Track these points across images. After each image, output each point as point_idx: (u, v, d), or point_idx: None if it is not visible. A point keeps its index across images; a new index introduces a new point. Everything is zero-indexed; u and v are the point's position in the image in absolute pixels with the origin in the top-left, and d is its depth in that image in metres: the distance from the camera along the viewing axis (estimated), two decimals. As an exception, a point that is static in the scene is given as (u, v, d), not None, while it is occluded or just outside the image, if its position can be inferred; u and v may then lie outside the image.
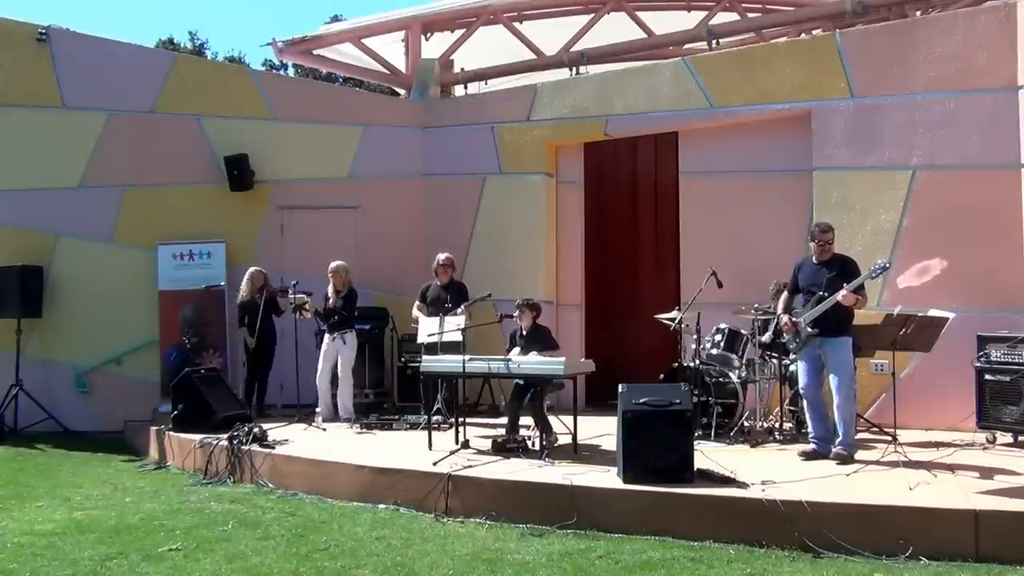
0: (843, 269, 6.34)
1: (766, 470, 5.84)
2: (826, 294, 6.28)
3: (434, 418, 7.73)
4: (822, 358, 6.43)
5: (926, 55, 7.93)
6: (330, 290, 8.64)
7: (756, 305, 7.59)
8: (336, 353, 8.61)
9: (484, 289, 8.18)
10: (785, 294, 6.81)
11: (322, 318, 8.70)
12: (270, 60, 24.43)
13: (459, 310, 7.98)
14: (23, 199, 9.78)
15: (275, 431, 7.65)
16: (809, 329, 6.40)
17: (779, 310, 6.81)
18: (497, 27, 11.73)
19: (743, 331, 7.74)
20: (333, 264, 8.71)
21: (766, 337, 7.59)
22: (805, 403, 6.66)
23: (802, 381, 6.58)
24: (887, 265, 6.32)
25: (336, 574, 4.73)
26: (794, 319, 6.54)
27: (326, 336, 8.68)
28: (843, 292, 6.16)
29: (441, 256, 8.56)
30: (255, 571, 4.79)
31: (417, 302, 8.55)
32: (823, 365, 6.44)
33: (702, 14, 11.21)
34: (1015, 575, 4.56)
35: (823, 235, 6.50)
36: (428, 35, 11.92)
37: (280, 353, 9.02)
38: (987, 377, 7.04)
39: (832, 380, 6.38)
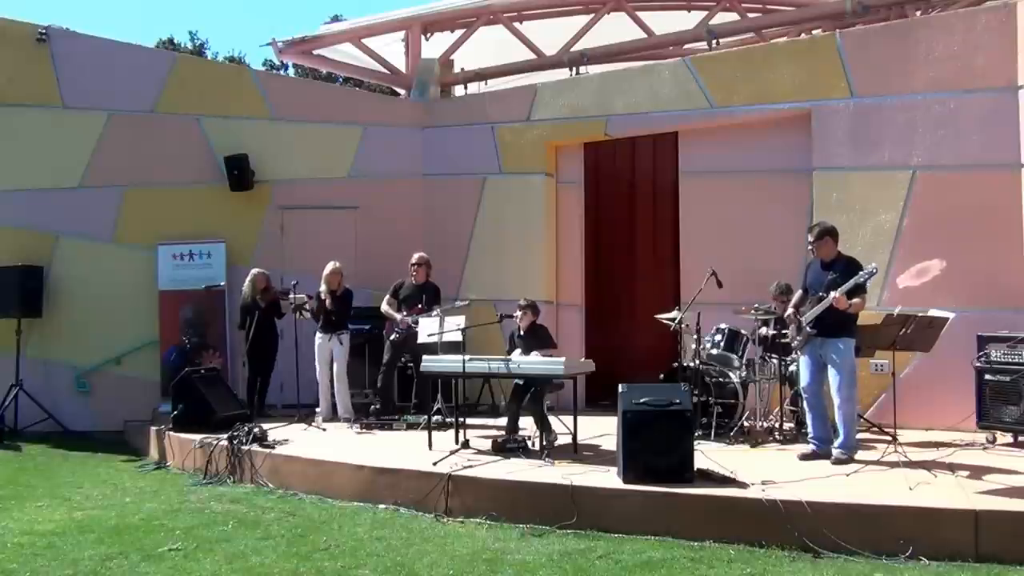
0: (845, 272, 6.30)
1: (766, 470, 5.85)
2: (824, 295, 6.28)
3: (434, 418, 7.73)
4: (823, 358, 6.43)
5: (926, 55, 7.93)
6: (323, 290, 8.63)
7: (756, 305, 7.59)
8: (331, 352, 8.62)
9: (484, 289, 8.16)
10: (799, 291, 6.80)
11: (316, 317, 8.69)
12: (270, 60, 24.43)
13: (433, 312, 7.99)
14: (23, 199, 9.78)
15: (275, 431, 7.65)
16: (808, 329, 6.40)
17: (791, 305, 6.78)
18: (497, 27, 11.73)
19: (743, 331, 7.75)
20: (333, 265, 8.69)
21: (764, 330, 7.59)
22: (805, 403, 6.66)
23: (803, 381, 6.58)
24: (875, 271, 6.27)
25: (336, 574, 4.73)
26: (797, 314, 6.54)
27: (319, 334, 8.68)
28: (834, 295, 6.15)
29: (414, 256, 8.57)
30: (255, 571, 4.80)
31: (388, 297, 8.57)
32: (825, 365, 6.43)
33: (702, 14, 11.21)
34: (1015, 575, 4.56)
35: (809, 239, 6.54)
36: (428, 35, 11.91)
37: (280, 353, 9.01)
38: (987, 377, 7.04)
39: (832, 381, 6.37)
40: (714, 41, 10.48)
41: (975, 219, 7.63)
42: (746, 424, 7.48)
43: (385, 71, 12.32)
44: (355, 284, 9.14)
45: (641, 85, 9.33)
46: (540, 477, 5.85)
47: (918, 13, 9.45)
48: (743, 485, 5.44)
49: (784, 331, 7.20)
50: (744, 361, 7.65)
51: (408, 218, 10.29)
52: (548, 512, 5.47)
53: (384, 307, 8.59)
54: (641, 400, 5.71)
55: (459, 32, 11.80)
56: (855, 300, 6.22)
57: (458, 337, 7.34)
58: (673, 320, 7.36)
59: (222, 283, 9.56)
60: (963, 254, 7.68)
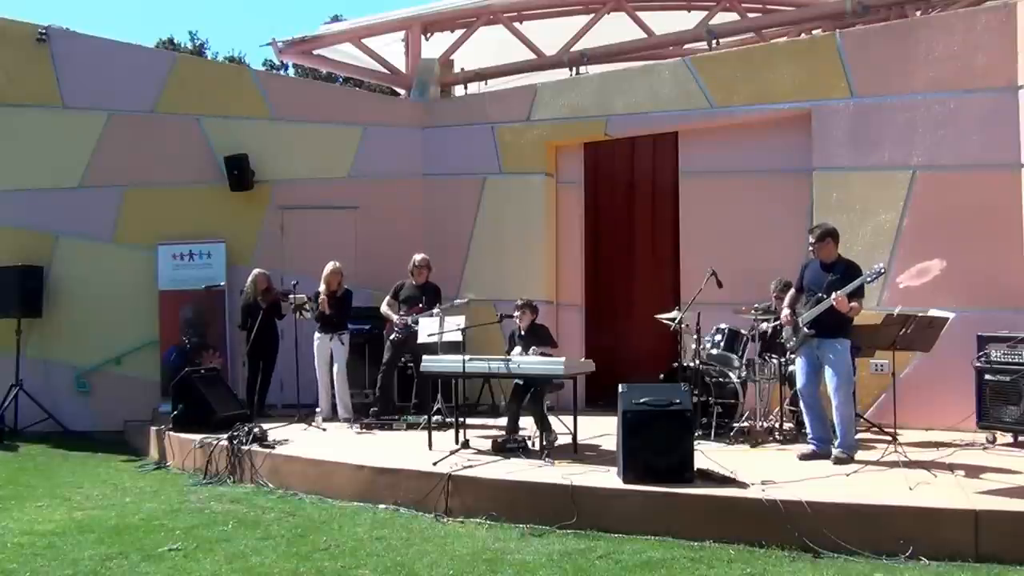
0: (845, 274, 6.31)
1: (766, 470, 5.85)
2: (824, 296, 6.28)
3: (434, 418, 7.72)
4: (820, 359, 6.43)
5: (926, 55, 7.93)
6: (323, 289, 8.64)
7: (756, 305, 7.59)
8: (330, 352, 8.63)
9: (484, 289, 8.16)
10: (792, 291, 6.81)
11: (317, 317, 8.69)
12: (270, 60, 24.43)
13: (435, 311, 7.99)
14: (23, 199, 9.78)
15: (275, 431, 7.64)
16: (805, 329, 6.40)
17: (785, 305, 6.81)
18: (497, 27, 11.72)
19: (743, 331, 7.74)
20: (333, 265, 8.70)
21: (764, 326, 7.59)
22: (802, 404, 6.66)
23: (799, 382, 6.58)
24: (883, 270, 6.31)
25: (336, 574, 4.73)
26: (793, 316, 6.54)
27: (318, 334, 8.69)
28: (836, 296, 6.16)
29: (417, 257, 8.57)
30: (255, 571, 4.80)
31: (388, 298, 8.58)
32: (821, 366, 6.43)
33: (702, 14, 11.21)
34: (1015, 575, 4.56)
35: (810, 240, 6.54)
36: (428, 35, 11.91)
37: (280, 353, 9.01)
38: (987, 377, 7.04)
39: (829, 381, 6.37)
40: (714, 41, 10.48)
41: (975, 219, 7.63)
42: (746, 424, 7.47)
43: (385, 71, 12.32)
44: (355, 284, 9.15)
45: (641, 85, 9.33)
46: (540, 477, 5.85)
47: (918, 13, 9.45)
48: (743, 485, 5.44)
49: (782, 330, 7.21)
50: (744, 361, 7.64)
51: (408, 218, 10.29)
52: (548, 512, 5.47)
53: (383, 308, 8.60)
54: (641, 400, 5.71)
55: (459, 32, 11.80)
56: (853, 304, 6.23)
57: (458, 337, 7.34)
58: (673, 320, 7.36)
59: (222, 283, 9.57)
60: (963, 254, 7.68)
